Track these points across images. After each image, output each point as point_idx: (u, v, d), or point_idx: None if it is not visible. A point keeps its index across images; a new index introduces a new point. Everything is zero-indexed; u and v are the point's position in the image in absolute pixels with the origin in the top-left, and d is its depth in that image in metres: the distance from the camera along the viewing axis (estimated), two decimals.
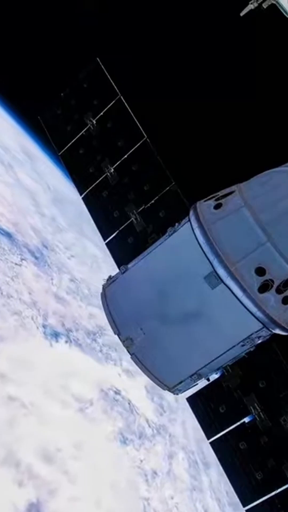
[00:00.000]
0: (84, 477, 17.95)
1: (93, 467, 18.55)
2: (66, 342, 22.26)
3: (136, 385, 24.08)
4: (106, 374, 23.34)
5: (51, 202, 33.82)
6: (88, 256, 31.18)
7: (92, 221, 7.34)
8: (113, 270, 5.70)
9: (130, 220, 6.92)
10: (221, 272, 4.35)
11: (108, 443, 20.44)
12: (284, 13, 7.54)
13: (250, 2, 7.40)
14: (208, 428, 6.52)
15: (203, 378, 4.95)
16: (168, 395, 25.00)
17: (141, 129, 7.10)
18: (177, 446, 24.69)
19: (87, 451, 18.80)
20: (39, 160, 38.10)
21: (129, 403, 23.19)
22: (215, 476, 24.95)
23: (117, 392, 22.99)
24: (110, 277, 5.42)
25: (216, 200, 4.77)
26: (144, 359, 4.85)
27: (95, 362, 23.30)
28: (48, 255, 26.49)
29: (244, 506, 6.24)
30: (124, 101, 7.22)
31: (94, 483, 18.12)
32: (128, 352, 4.87)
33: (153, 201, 6.86)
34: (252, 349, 4.89)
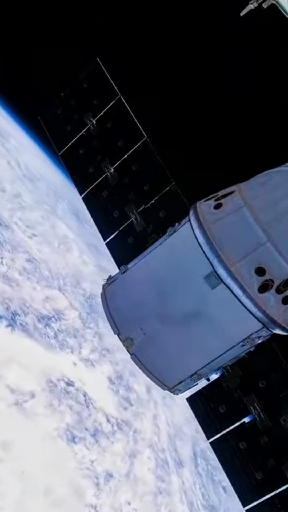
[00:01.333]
0: (8, 483, 15.47)
1: (22, 471, 16.06)
2: (8, 326, 19.98)
3: (96, 376, 22.09)
4: (58, 362, 20.90)
5: (19, 179, 31.36)
6: (56, 236, 29.19)
7: (92, 221, 7.35)
8: (114, 269, 5.70)
9: (130, 220, 6.93)
10: (221, 272, 4.35)
11: (49, 441, 17.98)
12: (284, 13, 7.54)
13: (250, 2, 7.40)
14: (208, 428, 6.52)
15: (203, 378, 4.95)
16: (138, 386, 23.55)
17: (141, 129, 7.10)
18: (143, 444, 22.36)
19: (17, 452, 16.31)
20: (11, 136, 35.88)
21: (84, 396, 20.79)
22: (190, 477, 22.47)
23: (70, 383, 20.51)
24: (110, 277, 5.42)
25: (216, 200, 4.77)
26: (144, 359, 4.85)
27: (44, 349, 20.89)
28: (1, 233, 24.38)
29: (244, 506, 6.24)
30: (124, 101, 7.22)
31: (22, 490, 15.61)
32: (128, 352, 4.87)
33: (153, 201, 6.86)
34: (252, 349, 4.89)
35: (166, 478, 22.11)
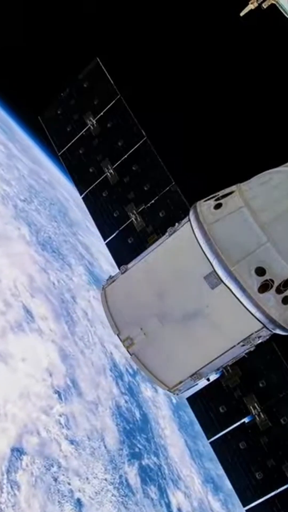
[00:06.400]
0: None
1: None
2: None
3: None
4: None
5: None
6: None
7: (92, 221, 7.36)
8: (114, 269, 5.69)
9: (130, 220, 6.93)
10: (221, 272, 4.35)
11: None
12: (284, 13, 7.54)
13: (250, 2, 7.40)
14: (208, 428, 6.52)
15: (203, 378, 4.94)
16: None
17: (141, 129, 7.10)
18: None
19: None
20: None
21: None
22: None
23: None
24: (110, 277, 5.42)
25: (216, 200, 4.77)
26: (144, 359, 4.85)
27: None
28: None
29: (244, 506, 6.25)
30: (124, 101, 7.23)
31: None
32: (128, 352, 4.87)
33: (153, 201, 6.87)
34: (252, 349, 4.89)
35: None
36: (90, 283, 31.26)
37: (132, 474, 23.53)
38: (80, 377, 24.16)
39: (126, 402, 26.40)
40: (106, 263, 35.06)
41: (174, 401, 30.73)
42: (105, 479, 21.85)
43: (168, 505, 24.65)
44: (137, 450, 24.79)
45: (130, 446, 24.48)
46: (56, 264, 29.06)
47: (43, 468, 19.27)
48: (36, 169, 37.92)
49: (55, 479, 19.54)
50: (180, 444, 29.22)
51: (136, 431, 25.70)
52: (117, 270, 5.43)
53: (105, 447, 23.01)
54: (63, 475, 19.96)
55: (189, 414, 30.81)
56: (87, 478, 21.01)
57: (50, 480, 19.33)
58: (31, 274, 25.83)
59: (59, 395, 22.18)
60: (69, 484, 19.95)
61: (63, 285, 28.15)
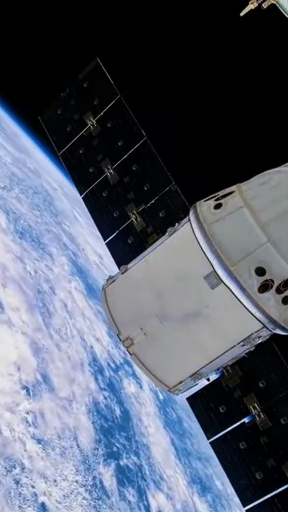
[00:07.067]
0: None
1: None
2: None
3: None
4: None
5: None
6: None
7: (92, 221, 7.35)
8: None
9: (130, 220, 6.93)
10: (221, 272, 4.35)
11: None
12: (284, 13, 7.55)
13: (250, 2, 7.40)
14: (208, 428, 6.52)
15: (203, 378, 4.95)
16: None
17: (141, 129, 7.10)
18: None
19: None
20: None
21: None
22: None
23: None
24: (110, 277, 5.42)
25: (216, 200, 4.77)
26: (144, 359, 4.85)
27: None
28: None
29: (244, 506, 6.25)
30: (124, 101, 7.23)
31: None
32: (128, 352, 4.87)
33: (153, 201, 6.87)
34: (252, 349, 4.89)
35: None
36: (73, 274, 30.11)
37: (107, 475, 22.27)
38: (53, 371, 22.82)
39: (105, 398, 25.16)
40: (93, 254, 34.36)
41: (161, 397, 29.52)
42: (76, 481, 20.54)
43: (147, 508, 23.49)
44: (115, 449, 23.65)
45: (107, 445, 23.25)
46: (34, 253, 27.91)
47: (3, 470, 17.93)
48: (22, 158, 36.87)
49: (17, 482, 18.20)
50: (164, 442, 28.00)
51: (115, 429, 24.51)
52: (117, 270, 5.43)
53: (78, 446, 21.67)
54: (27, 477, 18.67)
55: (177, 411, 30.15)
56: (55, 480, 19.70)
57: (11, 483, 17.96)
58: (3, 263, 24.61)
59: (27, 391, 20.80)
60: (33, 487, 18.68)
61: (41, 275, 26.93)
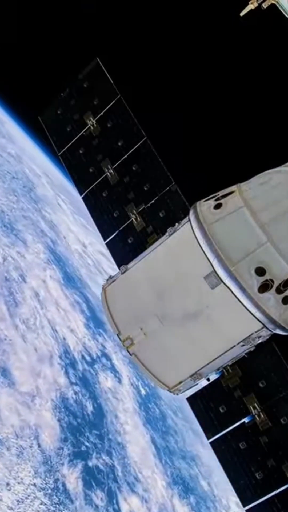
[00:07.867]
0: None
1: None
2: None
3: None
4: None
5: None
6: None
7: (92, 221, 7.35)
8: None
9: (130, 220, 6.93)
10: (221, 272, 4.35)
11: None
12: (284, 13, 7.55)
13: (250, 2, 7.40)
14: (208, 428, 6.52)
15: (203, 378, 4.95)
16: None
17: (141, 129, 7.10)
18: None
19: None
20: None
21: None
22: None
23: None
24: (110, 277, 5.42)
25: (216, 200, 4.77)
26: (144, 359, 4.86)
27: None
28: None
29: (244, 506, 6.25)
30: (124, 101, 7.23)
31: None
32: (128, 352, 4.87)
33: (153, 201, 6.87)
34: (252, 349, 4.90)
35: None
36: (49, 262, 28.32)
37: (72, 477, 20.18)
38: (14, 364, 20.83)
39: (75, 393, 23.00)
40: (77, 242, 32.59)
41: (143, 392, 27.25)
42: (34, 484, 18.55)
43: None
44: (83, 448, 21.51)
45: (74, 444, 21.11)
46: (5, 239, 25.98)
47: None
48: (3, 143, 35.11)
49: None
50: (143, 441, 25.58)
51: (85, 426, 22.33)
52: (117, 270, 5.43)
53: (39, 446, 19.71)
54: None
55: (161, 407, 27.62)
56: (8, 484, 17.69)
57: None
58: None
59: None
60: None
61: (11, 262, 25.03)
